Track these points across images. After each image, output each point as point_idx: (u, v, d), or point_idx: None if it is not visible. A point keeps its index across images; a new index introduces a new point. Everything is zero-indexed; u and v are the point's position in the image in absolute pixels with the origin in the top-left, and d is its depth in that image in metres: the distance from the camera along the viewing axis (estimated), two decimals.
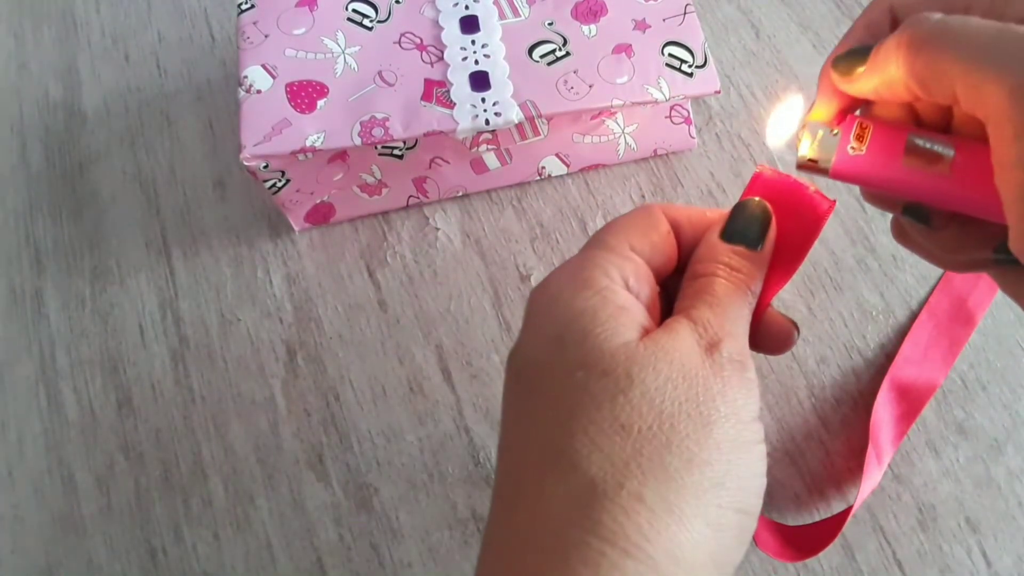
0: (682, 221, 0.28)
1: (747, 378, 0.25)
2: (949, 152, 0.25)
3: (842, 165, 0.26)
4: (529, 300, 0.27)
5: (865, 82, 0.26)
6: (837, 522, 0.38)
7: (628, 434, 0.23)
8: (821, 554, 0.38)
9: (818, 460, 0.40)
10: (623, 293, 0.26)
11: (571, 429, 0.23)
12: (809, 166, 0.27)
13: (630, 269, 0.26)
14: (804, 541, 0.39)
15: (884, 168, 0.26)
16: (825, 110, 0.27)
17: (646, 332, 0.25)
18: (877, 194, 0.28)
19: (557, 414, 0.24)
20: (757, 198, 0.27)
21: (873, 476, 0.39)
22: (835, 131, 0.27)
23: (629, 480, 0.22)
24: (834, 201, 0.27)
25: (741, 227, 0.27)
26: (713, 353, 0.24)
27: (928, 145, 0.25)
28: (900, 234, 0.29)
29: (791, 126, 0.28)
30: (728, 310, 0.25)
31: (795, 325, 0.28)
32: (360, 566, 0.40)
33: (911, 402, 0.41)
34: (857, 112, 0.28)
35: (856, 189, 0.46)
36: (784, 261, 0.27)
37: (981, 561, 0.38)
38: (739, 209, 0.27)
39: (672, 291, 0.28)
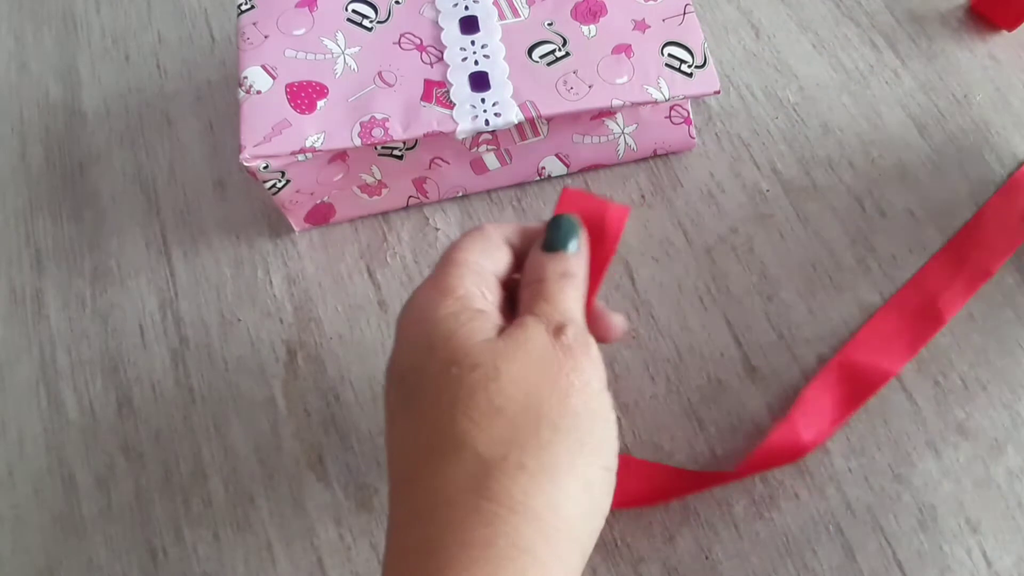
0: (513, 236, 0.33)
1: (591, 355, 0.29)
2: None
3: None
4: (398, 319, 0.31)
5: None
6: (717, 478, 0.39)
7: (503, 415, 0.26)
8: (821, 554, 0.38)
9: (818, 460, 0.40)
10: (478, 298, 0.30)
11: (454, 416, 0.27)
12: None
13: (479, 279, 0.30)
14: (668, 483, 0.40)
15: None
16: None
17: (501, 330, 0.29)
18: None
19: (439, 406, 0.27)
20: (565, 213, 0.32)
21: (783, 437, 0.39)
22: None
23: (511, 452, 0.26)
24: (628, 208, 0.33)
25: (556, 238, 0.31)
26: (560, 337, 0.28)
27: None
28: None
29: None
30: (561, 302, 0.30)
31: (623, 320, 0.34)
32: (360, 566, 0.40)
33: (856, 386, 0.41)
34: None
35: (855, 188, 0.46)
36: (596, 262, 0.32)
37: (981, 561, 0.38)
38: (552, 224, 0.32)
39: (514, 293, 0.32)
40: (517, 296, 0.31)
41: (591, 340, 0.30)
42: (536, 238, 0.32)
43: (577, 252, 0.31)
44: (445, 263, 0.31)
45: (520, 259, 0.33)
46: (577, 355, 0.28)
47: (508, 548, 0.25)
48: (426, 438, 0.27)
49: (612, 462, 0.28)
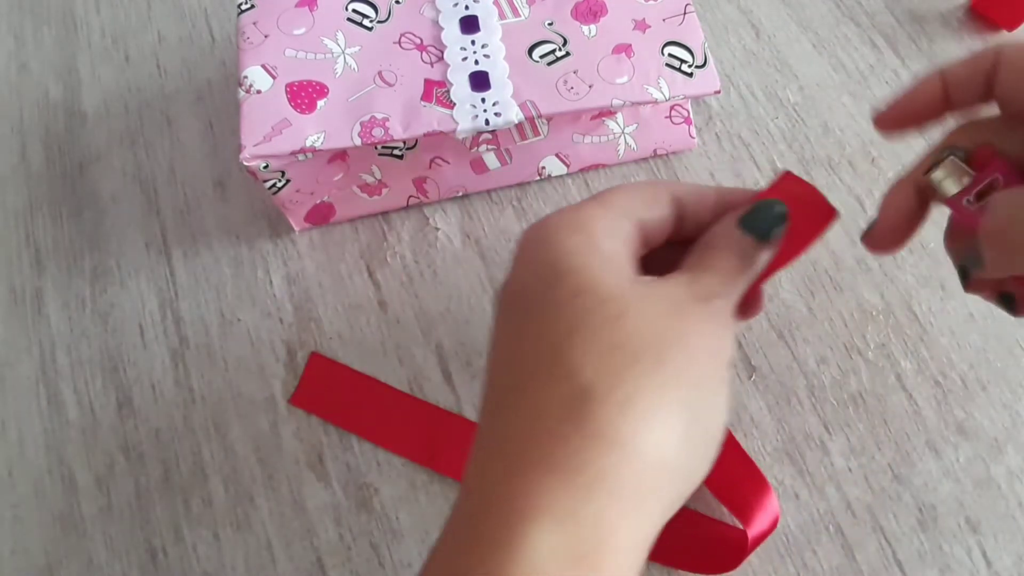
0: (687, 199, 0.30)
1: (731, 332, 0.28)
2: None
3: (954, 207, 0.28)
4: (521, 239, 0.29)
5: (987, 279, 0.28)
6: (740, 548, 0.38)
7: (623, 353, 0.25)
8: (821, 554, 0.38)
9: (817, 460, 0.40)
10: (615, 242, 0.28)
11: (572, 342, 0.26)
12: (927, 190, 0.29)
13: (624, 229, 0.28)
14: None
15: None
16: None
17: (635, 280, 0.27)
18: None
19: (555, 332, 0.26)
20: (781, 201, 0.29)
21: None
22: (968, 176, 0.28)
23: (621, 387, 0.25)
24: (836, 212, 0.30)
25: (761, 223, 0.29)
26: (706, 303, 0.27)
27: None
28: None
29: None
30: (725, 279, 0.28)
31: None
32: (360, 566, 0.40)
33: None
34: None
35: (855, 188, 0.47)
36: (785, 252, 0.29)
37: (981, 561, 0.38)
38: (763, 206, 0.29)
39: (659, 263, 0.30)
40: (662, 264, 0.30)
41: (733, 322, 0.28)
42: (733, 208, 0.30)
43: (772, 246, 0.29)
44: (591, 199, 0.29)
45: (688, 226, 0.30)
46: (714, 323, 0.27)
47: (595, 481, 0.24)
48: (533, 363, 0.26)
49: (720, 435, 0.27)
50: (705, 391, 0.26)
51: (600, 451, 0.24)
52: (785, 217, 0.29)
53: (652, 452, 0.25)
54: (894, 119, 0.31)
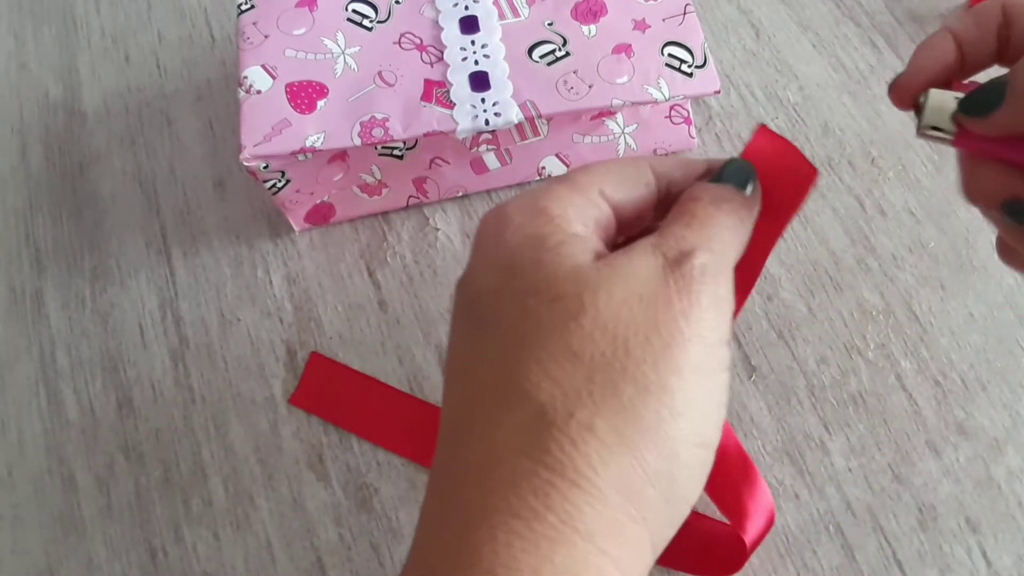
0: (673, 175, 0.27)
1: (719, 296, 0.23)
2: None
3: (966, 133, 0.26)
4: (480, 226, 0.26)
5: (1004, 123, 0.24)
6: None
7: (580, 361, 0.22)
8: (821, 554, 0.38)
9: (817, 460, 0.40)
10: (578, 225, 0.24)
11: (521, 358, 0.22)
12: (931, 135, 0.26)
13: (592, 213, 0.25)
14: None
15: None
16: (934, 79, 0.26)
17: (601, 257, 0.24)
18: (979, 187, 0.26)
19: (507, 343, 0.23)
20: (747, 160, 0.27)
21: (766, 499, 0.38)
22: (959, 97, 0.26)
23: (580, 409, 0.21)
24: (817, 171, 0.27)
25: (730, 173, 0.26)
26: (681, 265, 0.23)
27: None
28: (1004, 251, 0.28)
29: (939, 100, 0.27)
30: (707, 227, 0.24)
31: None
32: (360, 566, 0.40)
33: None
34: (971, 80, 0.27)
35: (855, 188, 0.47)
36: (770, 221, 0.27)
37: (981, 561, 0.38)
38: (728, 162, 0.27)
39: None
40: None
41: (725, 279, 0.24)
42: (711, 174, 0.27)
43: (748, 194, 0.25)
44: (559, 179, 0.26)
45: (668, 205, 0.26)
46: (697, 293, 0.22)
47: (560, 526, 0.21)
48: (488, 382, 0.23)
49: (711, 437, 0.23)
50: (689, 392, 0.22)
51: (563, 490, 0.21)
52: (755, 170, 0.26)
53: (624, 490, 0.21)
54: (915, 90, 0.27)
